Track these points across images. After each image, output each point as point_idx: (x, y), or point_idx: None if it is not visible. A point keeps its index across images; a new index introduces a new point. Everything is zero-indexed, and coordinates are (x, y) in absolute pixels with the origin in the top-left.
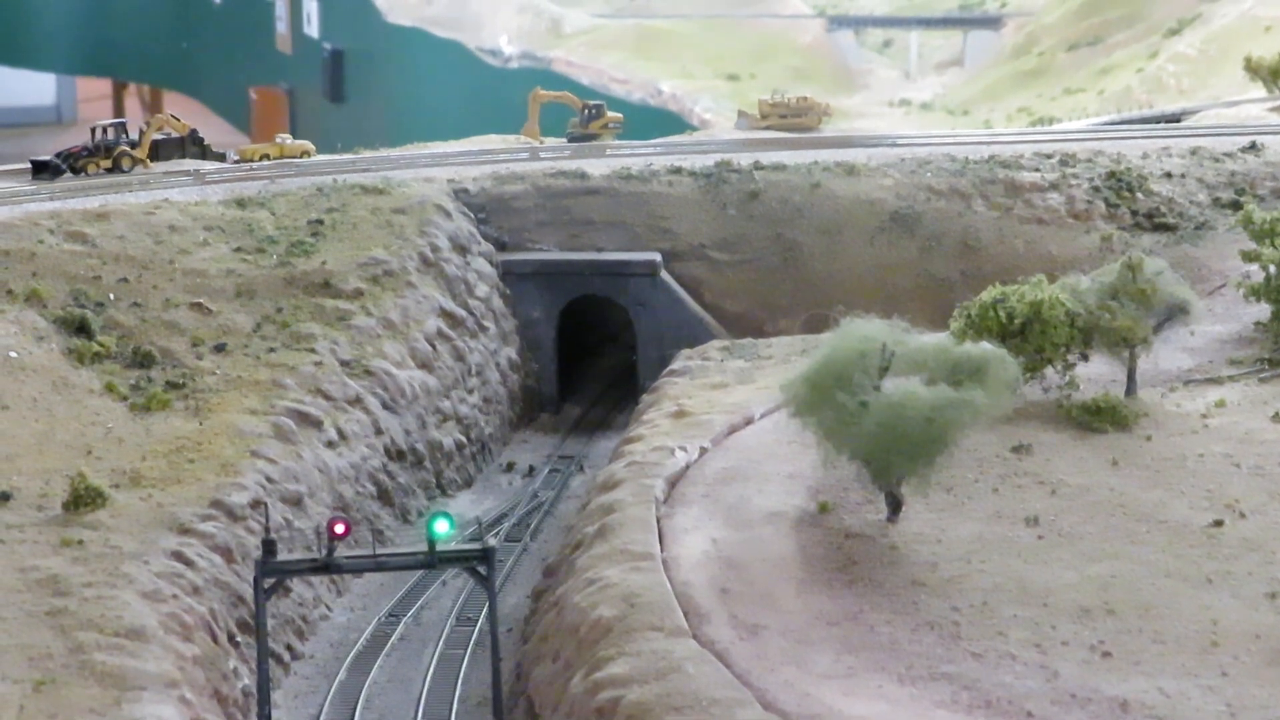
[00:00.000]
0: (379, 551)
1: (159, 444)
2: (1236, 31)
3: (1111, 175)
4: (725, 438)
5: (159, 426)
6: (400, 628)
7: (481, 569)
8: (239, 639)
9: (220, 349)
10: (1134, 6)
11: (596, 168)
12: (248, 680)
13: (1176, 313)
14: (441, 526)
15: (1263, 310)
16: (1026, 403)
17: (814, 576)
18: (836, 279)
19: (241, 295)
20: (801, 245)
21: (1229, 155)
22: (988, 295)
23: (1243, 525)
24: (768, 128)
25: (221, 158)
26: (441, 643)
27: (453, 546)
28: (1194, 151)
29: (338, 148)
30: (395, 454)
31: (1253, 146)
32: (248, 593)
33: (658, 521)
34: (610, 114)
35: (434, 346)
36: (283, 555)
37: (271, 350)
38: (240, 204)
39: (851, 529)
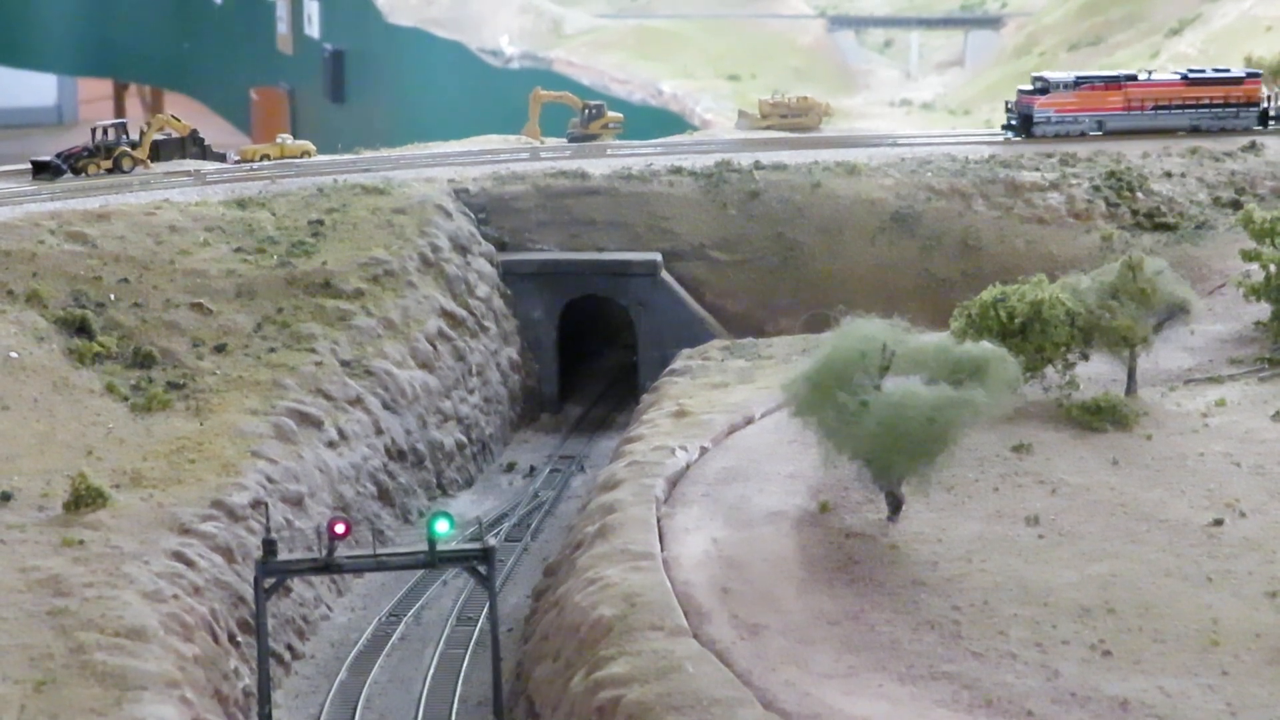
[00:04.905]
0: (379, 551)
1: (160, 444)
2: (1237, 31)
3: (1111, 175)
4: (726, 437)
5: (160, 427)
6: (401, 627)
7: (482, 569)
8: (240, 639)
9: (221, 349)
10: (1135, 6)
11: (597, 168)
12: (248, 680)
13: (1176, 312)
14: (442, 526)
15: (1263, 309)
16: (1027, 402)
17: (814, 576)
18: (837, 279)
19: (242, 295)
20: (802, 245)
21: (1229, 154)
22: (988, 295)
23: (1243, 524)
24: (768, 127)
25: (222, 158)
26: (442, 642)
27: (453, 546)
28: (1194, 151)
29: (338, 148)
30: (396, 454)
31: (1252, 146)
32: (248, 593)
33: (658, 521)
34: (610, 114)
35: (434, 346)
36: (283, 555)
37: (272, 350)
38: (241, 204)
39: (852, 528)
